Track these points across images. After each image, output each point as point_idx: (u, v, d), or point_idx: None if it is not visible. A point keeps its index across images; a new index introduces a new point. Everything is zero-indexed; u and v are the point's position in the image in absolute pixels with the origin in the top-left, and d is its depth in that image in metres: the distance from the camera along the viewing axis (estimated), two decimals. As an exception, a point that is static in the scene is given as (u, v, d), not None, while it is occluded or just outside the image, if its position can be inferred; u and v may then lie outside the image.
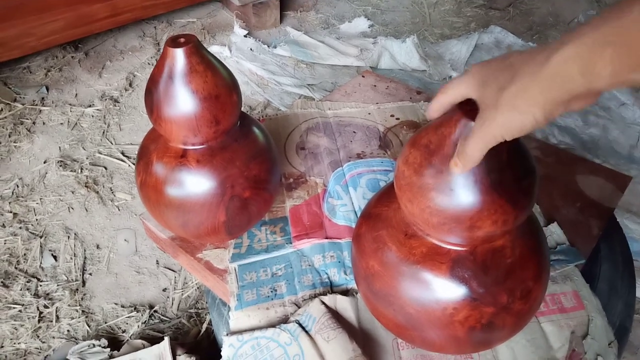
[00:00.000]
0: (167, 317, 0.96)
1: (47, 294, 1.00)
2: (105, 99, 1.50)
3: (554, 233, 0.74)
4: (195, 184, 0.61)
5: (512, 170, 0.44)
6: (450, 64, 1.77)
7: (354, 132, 0.93)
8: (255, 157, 0.64)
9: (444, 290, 0.49)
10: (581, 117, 1.62)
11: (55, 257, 1.06)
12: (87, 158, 1.29)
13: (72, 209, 1.16)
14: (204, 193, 0.61)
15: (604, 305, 0.68)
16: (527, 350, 0.61)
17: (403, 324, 0.53)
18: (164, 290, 1.01)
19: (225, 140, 0.62)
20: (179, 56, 0.57)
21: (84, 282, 1.02)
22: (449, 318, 0.49)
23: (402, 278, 0.51)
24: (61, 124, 1.41)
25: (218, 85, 0.59)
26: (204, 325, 0.94)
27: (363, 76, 1.09)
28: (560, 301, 0.66)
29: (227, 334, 0.62)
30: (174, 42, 0.58)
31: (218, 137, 0.61)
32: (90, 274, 1.03)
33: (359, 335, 0.61)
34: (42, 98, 1.51)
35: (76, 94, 1.54)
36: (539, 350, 0.61)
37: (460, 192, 0.44)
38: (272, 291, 0.66)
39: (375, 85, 1.06)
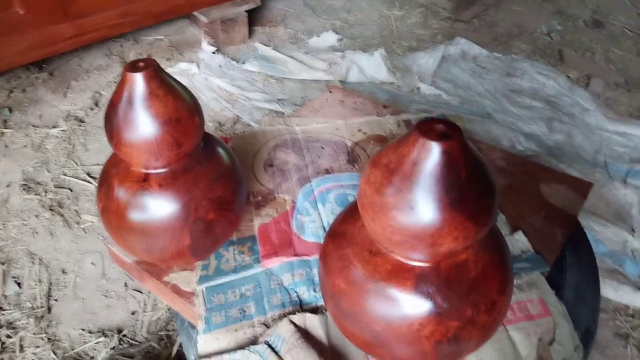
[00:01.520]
0: (136, 340, 0.94)
1: (10, 323, 0.97)
2: (71, 119, 1.48)
3: (519, 241, 0.75)
4: (158, 208, 0.60)
5: (471, 187, 0.45)
6: (418, 75, 1.79)
7: (322, 147, 0.93)
8: (219, 178, 0.64)
9: (410, 306, 0.49)
10: (546, 123, 1.66)
11: (19, 284, 1.03)
12: (51, 180, 1.26)
13: (37, 233, 1.13)
14: (167, 217, 0.60)
15: (570, 311, 0.69)
16: (495, 358, 0.61)
17: (371, 341, 0.53)
18: (133, 313, 0.99)
19: (187, 162, 0.62)
20: (138, 81, 0.56)
21: (49, 309, 0.99)
22: (416, 334, 0.49)
23: (367, 296, 0.51)
24: (25, 146, 1.38)
25: (179, 108, 0.58)
26: (175, 348, 0.92)
27: (330, 92, 1.10)
28: (527, 308, 0.67)
29: (195, 359, 0.61)
30: (133, 66, 0.57)
31: (180, 160, 0.61)
32: (56, 299, 1.01)
33: (329, 353, 0.61)
34: (5, 120, 1.47)
35: (40, 115, 1.50)
36: (507, 358, 0.62)
37: (420, 210, 0.44)
38: (240, 312, 0.66)
39: (342, 101, 1.07)
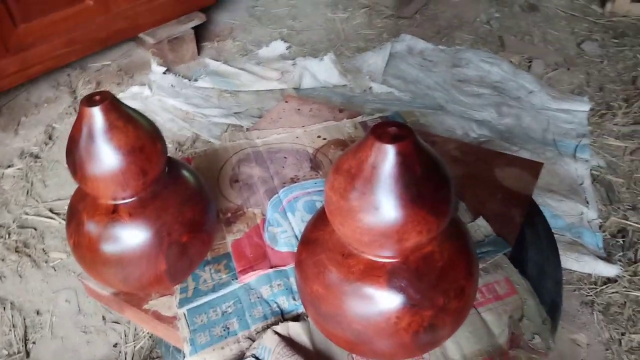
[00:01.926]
0: (122, 372, 0.94)
1: (-11, 373, 0.95)
2: (25, 157, 1.45)
3: (481, 227, 0.79)
4: (131, 237, 0.61)
5: (427, 182, 0.48)
6: (368, 75, 1.84)
7: (285, 157, 0.95)
8: (188, 201, 0.65)
9: (385, 301, 0.52)
10: (495, 109, 1.73)
11: (-8, 332, 1.01)
12: (13, 221, 1.23)
13: (4, 277, 1.10)
14: (141, 245, 0.61)
15: (534, 287, 0.73)
16: (471, 341, 0.65)
17: (353, 340, 0.55)
18: (115, 345, 0.98)
19: (155, 189, 0.63)
20: (96, 115, 0.57)
21: (27, 353, 0.97)
22: (394, 327, 0.52)
23: (345, 297, 0.53)
24: (-20, 189, 1.35)
25: (140, 137, 0.59)
26: (162, 374, 0.92)
27: (286, 101, 1.12)
28: (495, 289, 0.71)
29: (185, 381, 0.62)
30: (89, 101, 0.58)
31: (147, 188, 0.62)
32: (34, 342, 0.99)
33: (315, 357, 0.63)
34: (-45, 165, 1.43)
35: (-7, 156, 1.47)
36: (482, 340, 0.65)
37: (384, 210, 0.47)
38: (224, 330, 0.67)
39: (299, 109, 1.09)
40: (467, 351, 0.64)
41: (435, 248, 0.53)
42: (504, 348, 0.65)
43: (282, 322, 0.66)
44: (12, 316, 1.03)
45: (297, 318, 0.67)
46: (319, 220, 0.59)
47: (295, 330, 0.65)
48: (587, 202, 1.43)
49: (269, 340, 0.63)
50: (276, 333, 0.64)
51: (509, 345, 0.65)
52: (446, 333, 0.56)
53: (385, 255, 0.52)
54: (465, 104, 1.75)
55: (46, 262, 1.14)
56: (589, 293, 1.22)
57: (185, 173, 0.68)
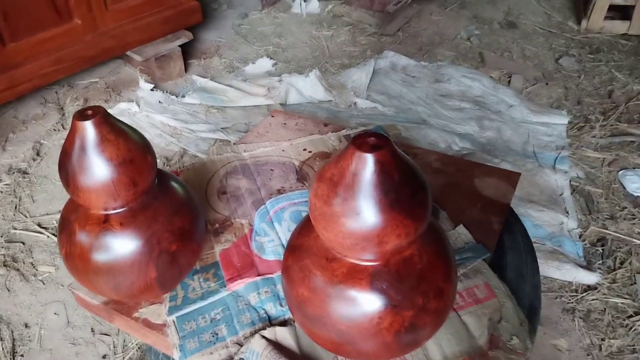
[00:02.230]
0: (111, 384, 0.94)
1: (-23, 387, 0.95)
2: (13, 172, 1.46)
3: (462, 234, 0.82)
4: (122, 246, 0.63)
5: (405, 188, 0.51)
6: (353, 91, 1.88)
7: (272, 169, 0.98)
8: (178, 211, 0.67)
9: (368, 302, 0.54)
10: (477, 122, 1.78)
11: (-20, 346, 1.01)
12: (2, 236, 1.24)
13: (-7, 291, 1.11)
14: (132, 253, 0.63)
15: (513, 291, 0.76)
16: (452, 343, 0.67)
17: (338, 341, 0.57)
18: (104, 357, 0.99)
19: (145, 199, 0.65)
20: (88, 128, 0.59)
21: (16, 366, 0.98)
22: (376, 327, 0.55)
23: (329, 299, 0.55)
24: (-32, 205, 1.35)
25: (131, 149, 0.61)
26: (151, 385, 0.93)
27: (273, 116, 1.15)
28: (475, 293, 0.73)
29: (175, 386, 0.64)
30: (81, 115, 0.60)
31: (138, 198, 0.64)
32: (22, 355, 0.99)
33: (302, 361, 0.65)
34: (-56, 181, 1.44)
35: (-19, 172, 1.47)
36: (462, 341, 0.68)
37: (365, 214, 0.50)
38: (213, 335, 0.69)
39: (285, 123, 1.12)
40: (448, 352, 0.66)
41: (415, 251, 0.56)
42: (483, 349, 0.67)
43: (269, 327, 0.68)
44: (0, 330, 1.03)
45: (284, 323, 0.70)
46: (304, 228, 0.62)
47: (282, 334, 0.67)
48: (567, 212, 1.47)
49: (257, 344, 0.65)
50: (264, 337, 0.66)
51: (489, 346, 0.67)
52: (427, 333, 0.59)
53: (367, 259, 0.54)
54: (448, 118, 1.80)
55: (35, 275, 1.14)
56: (570, 300, 1.25)
57: (175, 185, 0.71)
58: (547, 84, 1.99)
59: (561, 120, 1.79)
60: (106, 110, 0.62)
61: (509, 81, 2.00)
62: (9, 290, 1.12)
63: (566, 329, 1.19)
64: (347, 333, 0.56)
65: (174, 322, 0.70)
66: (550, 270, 1.32)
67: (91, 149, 0.59)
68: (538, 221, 1.45)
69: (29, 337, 1.03)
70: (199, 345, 0.67)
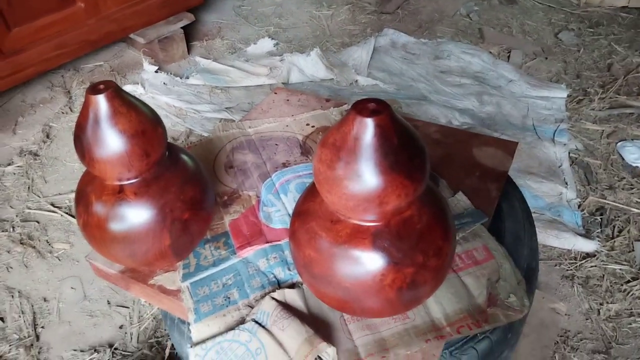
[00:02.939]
0: (128, 351, 0.99)
1: (0, 357, 0.99)
2: (25, 155, 1.49)
3: (461, 201, 0.85)
4: (137, 215, 0.66)
5: (404, 151, 0.54)
6: (354, 69, 1.90)
7: (276, 144, 1.01)
8: (189, 181, 0.70)
9: (370, 261, 0.57)
10: (476, 98, 1.79)
11: (2, 319, 1.05)
12: (16, 216, 1.28)
13: (11, 268, 1.15)
14: (147, 221, 0.66)
15: (512, 253, 0.79)
16: (452, 302, 0.71)
17: (343, 299, 0.61)
18: (121, 327, 1.03)
19: (157, 170, 0.68)
20: (101, 102, 0.62)
21: (37, 337, 1.02)
22: (379, 284, 0.58)
23: (334, 259, 0.59)
24: (-18, 187, 1.39)
25: (142, 121, 0.64)
26: (167, 351, 0.97)
27: (275, 93, 1.18)
28: (474, 256, 0.77)
29: (191, 346, 0.67)
30: (94, 89, 0.63)
31: (150, 169, 0.67)
32: (43, 327, 1.04)
33: (310, 320, 0.69)
34: (-43, 165, 1.47)
35: (-8, 155, 1.51)
36: (462, 300, 0.71)
37: (366, 177, 0.53)
38: (225, 299, 0.72)
39: (288, 100, 1.15)
40: (449, 310, 0.70)
41: (414, 212, 0.59)
42: (482, 307, 0.70)
43: (278, 289, 0.72)
44: (21, 303, 1.08)
45: (292, 286, 0.73)
46: (309, 193, 0.65)
47: (291, 296, 0.71)
48: (566, 183, 1.50)
49: (267, 305, 0.68)
50: (273, 299, 0.69)
51: (487, 304, 0.71)
52: (427, 290, 0.62)
53: (369, 220, 0.58)
54: (448, 94, 1.82)
55: (50, 252, 1.19)
56: (569, 267, 1.28)
57: (184, 157, 0.74)
58: (546, 58, 2.01)
59: (560, 94, 1.81)
60: (117, 85, 0.64)
61: (509, 56, 2.01)
62: (26, 266, 1.16)
63: (565, 295, 1.23)
64: (352, 291, 0.59)
65: (188, 287, 0.74)
66: (550, 239, 1.36)
67: (104, 121, 0.62)
68: (537, 192, 1.48)
69: (48, 310, 1.08)
70: (212, 309, 0.71)
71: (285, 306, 0.69)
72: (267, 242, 0.79)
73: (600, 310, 1.19)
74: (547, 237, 1.35)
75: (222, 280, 0.75)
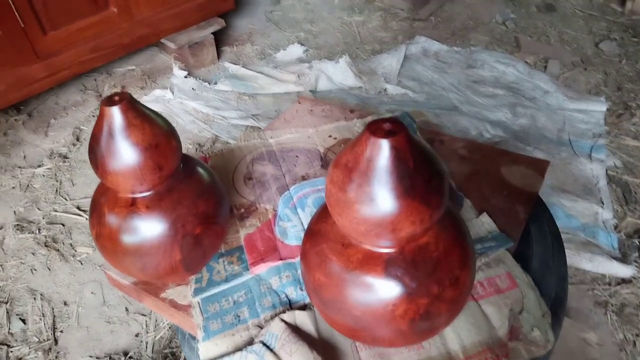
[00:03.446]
0: (142, 360, 0.99)
1: (20, 359, 1.01)
2: (54, 157, 1.52)
3: (485, 223, 0.81)
4: (148, 228, 0.65)
5: (420, 175, 0.51)
6: (383, 77, 1.86)
7: (297, 156, 0.99)
8: (202, 195, 0.69)
9: (382, 289, 0.55)
10: (510, 109, 1.74)
11: (23, 321, 1.07)
12: (43, 218, 1.30)
13: (35, 270, 1.17)
14: (158, 235, 0.65)
15: (538, 281, 0.75)
16: (471, 332, 0.67)
17: (353, 326, 0.58)
18: (137, 335, 1.03)
19: (170, 183, 0.67)
20: (115, 114, 0.61)
21: (56, 341, 1.03)
22: (391, 314, 0.55)
23: (345, 285, 0.56)
24: (13, 187, 1.42)
25: (156, 134, 0.63)
26: (180, 363, 0.97)
27: (300, 102, 1.16)
28: (496, 283, 0.73)
29: (199, 365, 0.66)
30: (109, 101, 0.62)
31: (163, 182, 0.66)
32: (62, 331, 1.05)
33: (320, 344, 0.66)
34: (-10, 165, 1.52)
35: (24, 156, 1.55)
36: (482, 331, 0.67)
37: (379, 201, 0.50)
38: (235, 317, 0.71)
39: (311, 110, 1.13)
40: (467, 342, 0.66)
41: (431, 239, 0.56)
42: (503, 340, 0.66)
43: (289, 310, 0.70)
44: (42, 306, 1.09)
45: (304, 307, 0.71)
46: (323, 213, 0.63)
47: (301, 318, 0.68)
48: (602, 203, 1.43)
49: (276, 327, 0.66)
50: (283, 321, 0.67)
51: (509, 337, 0.67)
52: (443, 321, 0.59)
53: (382, 245, 0.55)
54: (480, 105, 1.76)
55: (73, 256, 1.20)
56: (602, 294, 1.22)
57: (200, 170, 0.73)
58: (585, 69, 1.93)
59: (599, 107, 1.73)
60: (132, 96, 0.64)
61: (545, 67, 1.94)
62: (49, 269, 1.18)
63: (597, 323, 1.17)
64: (363, 319, 0.57)
65: (198, 303, 0.73)
66: (583, 262, 1.29)
67: (118, 133, 0.62)
68: (571, 211, 1.42)
69: (67, 314, 1.09)
70: (221, 327, 0.70)
71: (295, 329, 0.67)
72: (281, 259, 0.77)
73: (637, 342, 1.12)
74: (579, 260, 1.29)
75: (233, 297, 0.73)
